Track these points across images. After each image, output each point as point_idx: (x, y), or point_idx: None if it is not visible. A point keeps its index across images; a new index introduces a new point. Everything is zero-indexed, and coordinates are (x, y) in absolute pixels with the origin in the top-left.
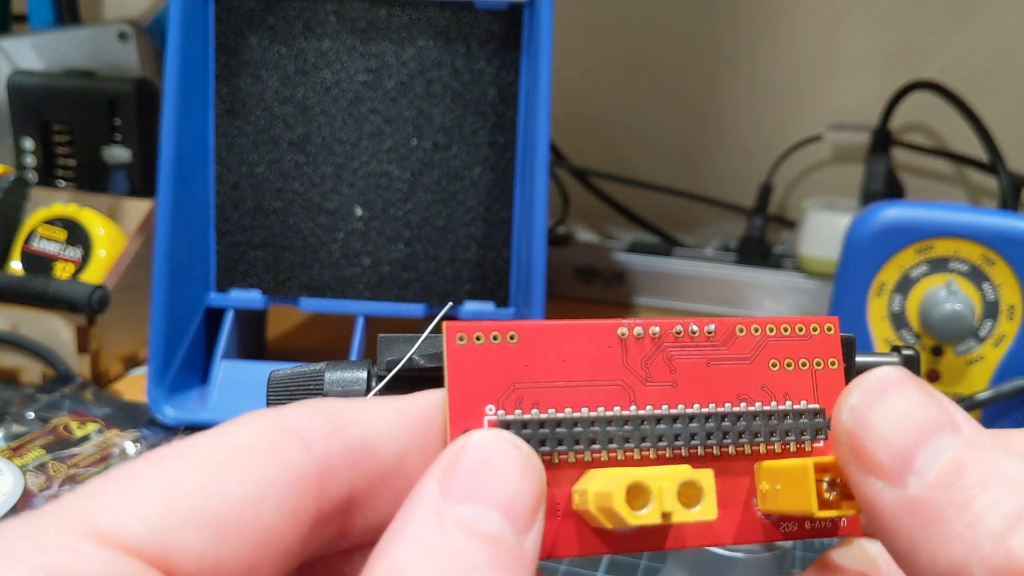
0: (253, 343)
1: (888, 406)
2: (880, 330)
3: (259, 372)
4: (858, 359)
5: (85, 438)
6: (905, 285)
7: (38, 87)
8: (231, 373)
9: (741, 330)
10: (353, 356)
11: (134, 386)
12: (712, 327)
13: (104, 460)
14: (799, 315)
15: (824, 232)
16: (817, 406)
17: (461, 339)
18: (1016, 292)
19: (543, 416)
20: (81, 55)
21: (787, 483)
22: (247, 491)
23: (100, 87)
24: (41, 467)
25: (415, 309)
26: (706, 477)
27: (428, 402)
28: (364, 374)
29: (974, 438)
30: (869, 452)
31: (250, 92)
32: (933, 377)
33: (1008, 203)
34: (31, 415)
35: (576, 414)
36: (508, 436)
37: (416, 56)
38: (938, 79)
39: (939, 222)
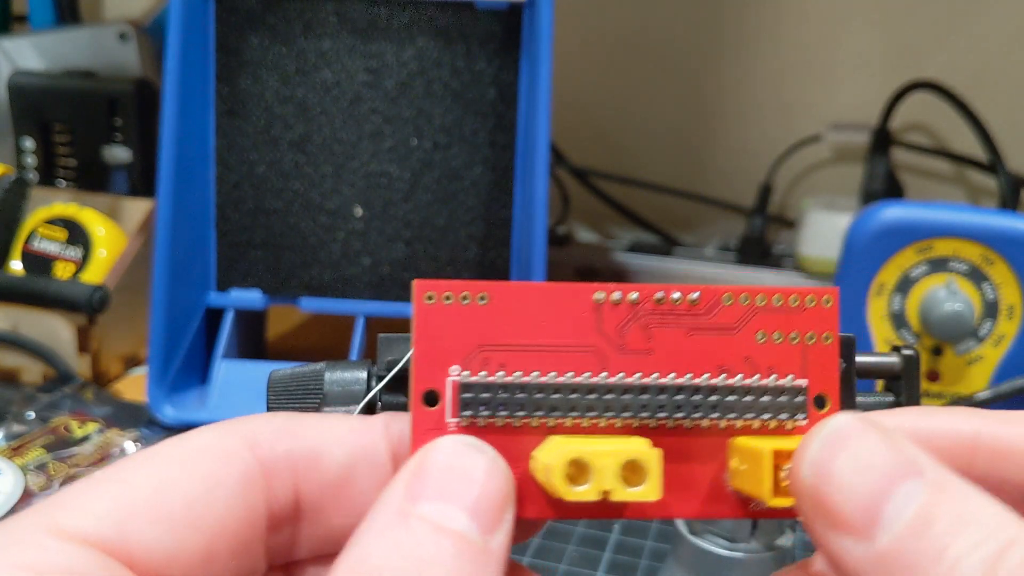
0: (253, 343)
1: (849, 456)
2: (880, 330)
3: (259, 372)
4: (858, 359)
5: (85, 438)
6: (905, 285)
7: (38, 87)
8: (231, 373)
9: (728, 299)
10: (353, 356)
11: (134, 386)
12: (696, 295)
13: (104, 460)
14: None
15: (824, 232)
16: (804, 382)
17: (429, 298)
18: (1016, 292)
19: (507, 379)
20: (81, 55)
21: (749, 464)
22: (196, 487)
23: (100, 87)
24: (41, 467)
25: None
26: (653, 458)
27: (383, 421)
28: (364, 374)
29: (939, 481)
30: (834, 507)
31: (250, 92)
32: (933, 377)
33: (1008, 203)
34: (31, 415)
35: (542, 379)
36: (472, 440)
37: (416, 56)
38: (938, 79)
39: (939, 222)
